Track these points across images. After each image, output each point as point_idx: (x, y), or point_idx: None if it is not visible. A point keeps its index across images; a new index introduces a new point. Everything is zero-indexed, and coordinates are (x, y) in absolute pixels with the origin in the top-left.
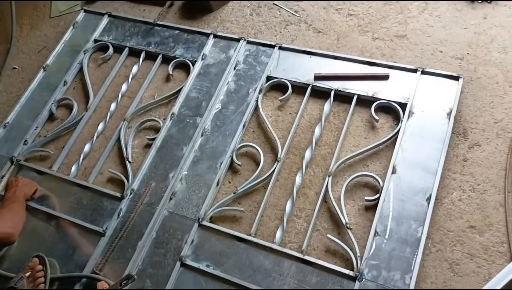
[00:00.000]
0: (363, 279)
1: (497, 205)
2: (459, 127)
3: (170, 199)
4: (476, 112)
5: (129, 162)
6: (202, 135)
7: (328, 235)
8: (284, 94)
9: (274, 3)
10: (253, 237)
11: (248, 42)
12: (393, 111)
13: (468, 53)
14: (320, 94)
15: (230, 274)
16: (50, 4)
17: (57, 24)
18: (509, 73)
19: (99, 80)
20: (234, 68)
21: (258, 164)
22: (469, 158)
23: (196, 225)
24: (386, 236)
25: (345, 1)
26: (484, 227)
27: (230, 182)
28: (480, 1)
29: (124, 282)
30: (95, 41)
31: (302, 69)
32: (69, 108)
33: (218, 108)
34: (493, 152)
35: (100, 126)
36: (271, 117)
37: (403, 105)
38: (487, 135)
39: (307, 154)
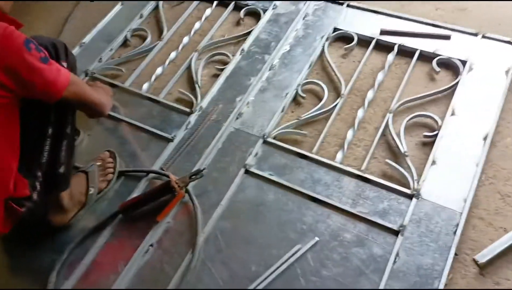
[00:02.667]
0: (420, 197)
1: None
2: None
3: (237, 118)
4: None
5: (199, 86)
6: (270, 69)
7: (387, 160)
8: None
9: None
10: (315, 155)
11: None
12: (452, 68)
13: None
14: (384, 48)
15: (292, 183)
16: None
17: None
18: None
19: (172, 19)
20: (303, 19)
21: (321, 99)
22: None
23: (260, 140)
24: (443, 166)
25: None
26: None
27: (293, 112)
28: None
29: (194, 176)
30: None
31: (368, 25)
32: (143, 38)
33: (286, 49)
34: None
35: (172, 54)
36: (335, 63)
37: (463, 62)
38: None
39: (369, 93)
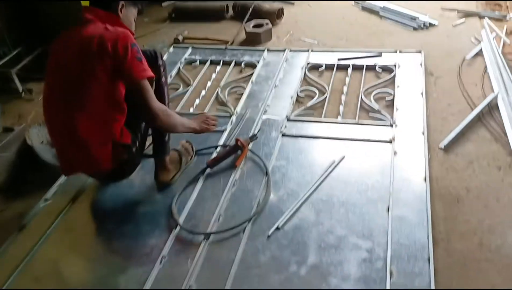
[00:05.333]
0: (396, 126)
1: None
2: (428, 70)
3: (264, 113)
4: (437, 62)
5: (230, 103)
6: (275, 87)
7: (370, 113)
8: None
9: (300, 39)
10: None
11: (291, 51)
12: (388, 70)
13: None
14: (343, 68)
15: (316, 134)
16: None
17: None
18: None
19: (193, 75)
20: (285, 61)
21: (313, 97)
22: (437, 83)
23: (286, 120)
24: (403, 111)
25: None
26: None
27: (298, 107)
28: None
29: (252, 137)
30: (185, 59)
31: (328, 58)
32: (175, 89)
33: (281, 76)
34: (449, 80)
35: (203, 92)
36: (315, 80)
37: (395, 65)
38: (444, 72)
39: (345, 88)
